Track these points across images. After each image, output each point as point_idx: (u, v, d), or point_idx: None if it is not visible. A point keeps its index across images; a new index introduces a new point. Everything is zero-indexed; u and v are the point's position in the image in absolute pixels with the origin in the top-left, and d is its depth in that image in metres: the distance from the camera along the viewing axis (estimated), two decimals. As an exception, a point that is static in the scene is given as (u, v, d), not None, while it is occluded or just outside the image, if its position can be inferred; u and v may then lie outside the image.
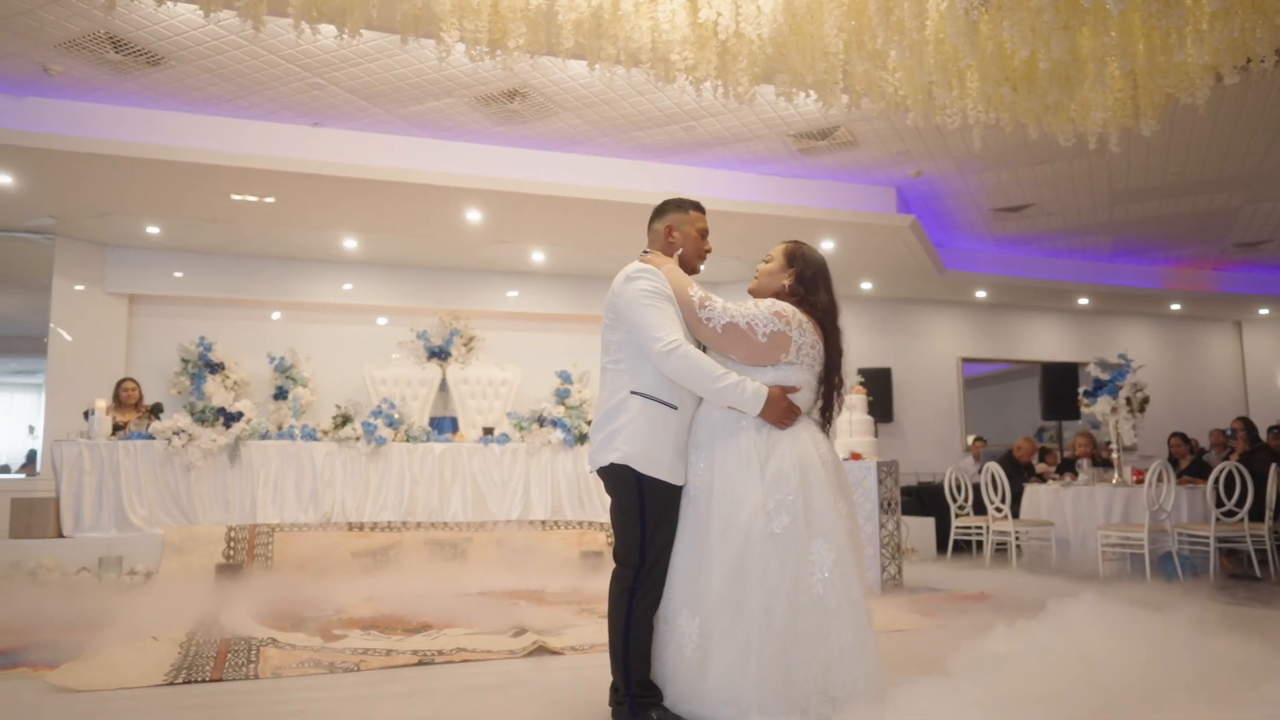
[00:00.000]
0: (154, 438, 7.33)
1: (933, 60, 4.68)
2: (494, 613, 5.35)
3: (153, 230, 8.77)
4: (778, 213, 8.43)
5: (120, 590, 6.36)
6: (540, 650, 4.32)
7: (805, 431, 3.00)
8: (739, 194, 8.37)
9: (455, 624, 4.98)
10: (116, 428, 7.60)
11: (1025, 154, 7.93)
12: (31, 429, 9.23)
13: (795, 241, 3.25)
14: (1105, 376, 8.09)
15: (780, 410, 2.94)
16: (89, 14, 5.53)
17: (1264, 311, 13.66)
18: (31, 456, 9.34)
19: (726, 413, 3.01)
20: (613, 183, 8.03)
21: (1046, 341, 13.12)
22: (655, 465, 2.96)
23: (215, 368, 9.35)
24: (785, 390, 2.97)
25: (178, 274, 9.50)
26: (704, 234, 3.26)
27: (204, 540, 7.04)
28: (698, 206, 3.29)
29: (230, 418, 7.53)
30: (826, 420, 3.14)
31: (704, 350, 3.09)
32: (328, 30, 4.57)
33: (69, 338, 8.93)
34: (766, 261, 3.22)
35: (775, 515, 2.85)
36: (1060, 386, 11.62)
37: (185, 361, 9.35)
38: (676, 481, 3.00)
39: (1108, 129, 5.31)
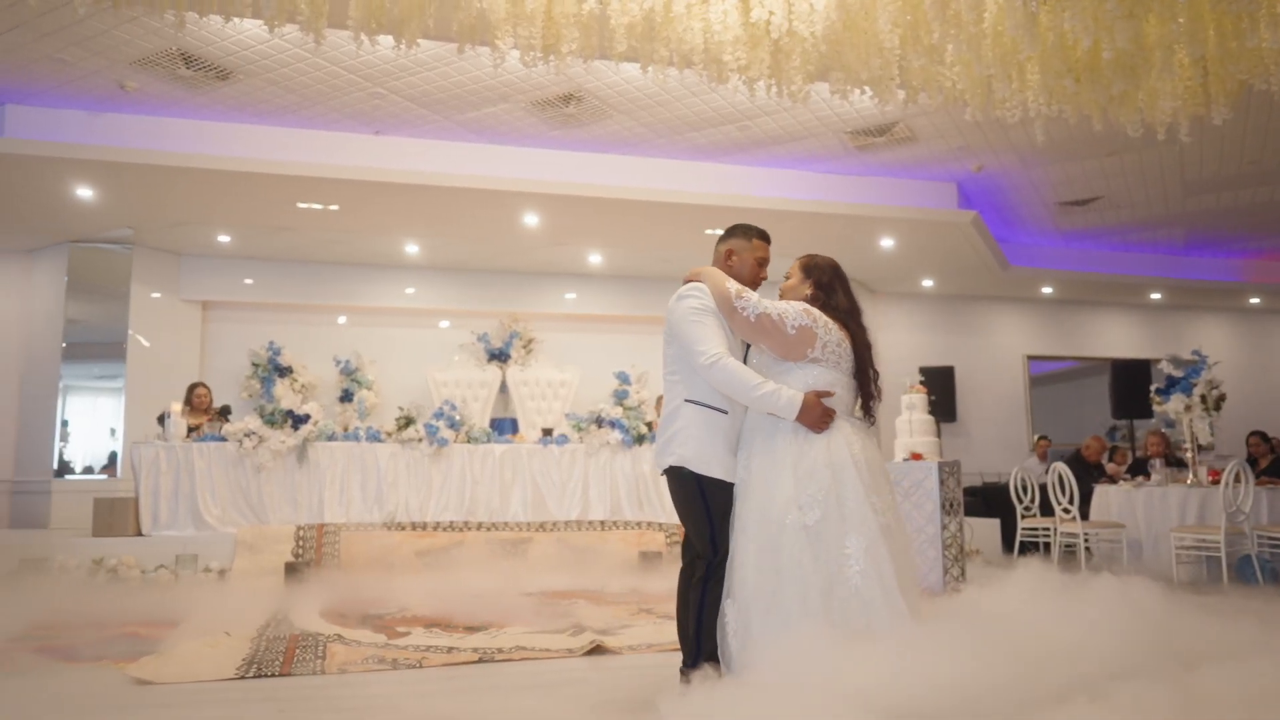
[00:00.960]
0: (226, 440, 7.57)
1: (991, 53, 4.59)
2: (553, 612, 5.41)
3: (224, 239, 9.06)
4: (835, 211, 8.35)
5: (195, 587, 6.61)
6: (598, 649, 4.36)
7: (840, 432, 3.15)
8: (795, 193, 8.32)
9: (515, 623, 5.05)
10: (190, 430, 7.87)
11: (1092, 146, 7.73)
12: (113, 431, 9.60)
13: (808, 255, 3.47)
14: (1178, 374, 7.82)
15: (815, 415, 3.13)
16: (161, 32, 5.74)
17: (1351, 304, 13.08)
18: (113, 458, 9.72)
19: (768, 417, 3.20)
20: (668, 184, 8.05)
21: (1116, 338, 12.75)
22: (710, 465, 3.22)
23: (284, 371, 9.62)
24: (820, 395, 3.15)
25: (248, 281, 9.80)
26: (762, 263, 3.47)
27: (274, 539, 7.24)
28: (763, 236, 3.51)
29: (298, 420, 7.74)
30: (868, 414, 3.34)
31: (746, 350, 3.34)
32: (386, 41, 4.68)
33: (146, 343, 9.28)
34: (787, 278, 3.45)
35: (808, 509, 3.02)
36: (1131, 384, 11.28)
37: (255, 365, 9.64)
38: (730, 479, 3.24)
39: (1178, 118, 5.14)
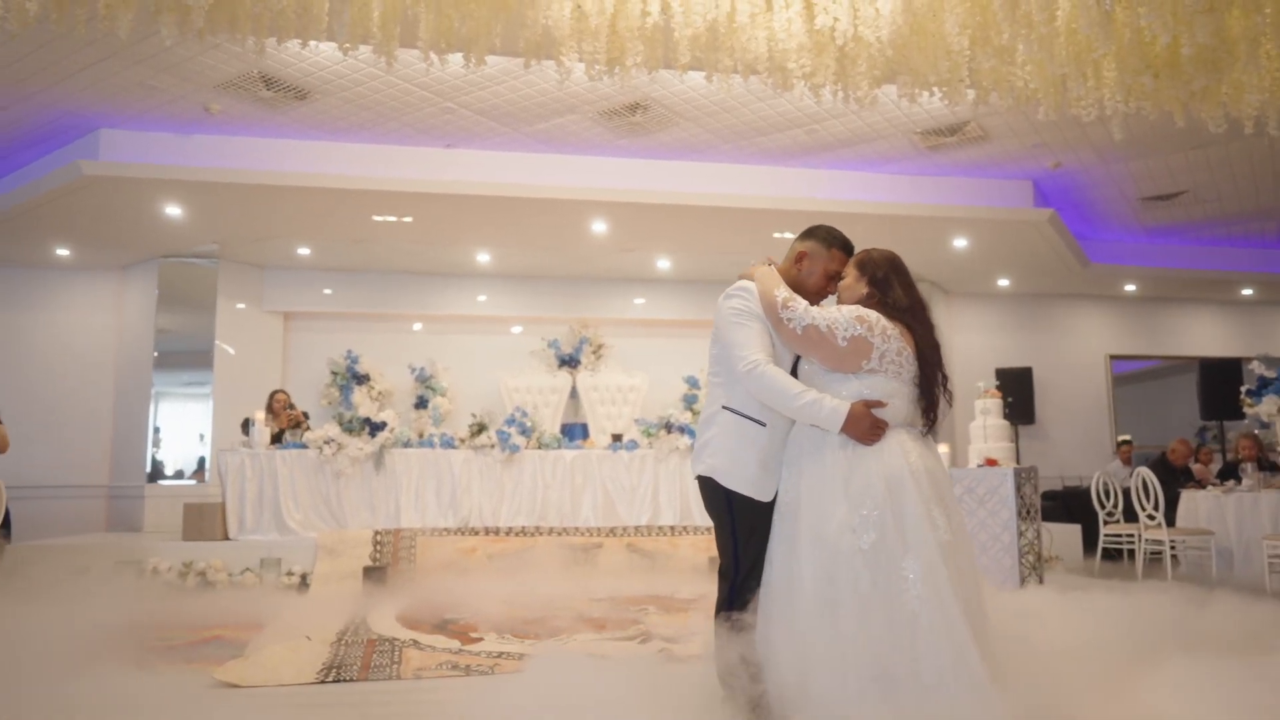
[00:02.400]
0: (307, 447, 7.82)
1: (1064, 52, 4.48)
2: (623, 619, 5.46)
3: (304, 251, 9.36)
4: (908, 213, 8.23)
5: (278, 590, 6.85)
6: (667, 657, 4.38)
7: (895, 444, 2.91)
8: (866, 194, 8.22)
9: (585, 629, 5.12)
10: (275, 437, 8.15)
11: (1174, 140, 7.47)
12: (201, 437, 10.01)
13: (863, 250, 3.18)
14: (1271, 374, 7.51)
15: (864, 427, 2.88)
16: (243, 56, 5.98)
17: None
18: (201, 463, 10.13)
19: (815, 430, 2.97)
20: (735, 189, 8.05)
21: (1204, 336, 12.26)
22: (739, 480, 3.00)
23: (361, 379, 9.90)
24: (869, 405, 2.90)
25: (327, 291, 10.11)
26: (832, 277, 3.18)
27: (353, 544, 7.46)
28: (845, 248, 3.22)
29: (375, 427, 7.95)
30: (930, 424, 3.03)
31: (796, 360, 3.09)
32: (455, 58, 4.79)
33: (231, 352, 9.65)
34: (843, 278, 3.16)
35: (861, 531, 2.80)
36: (1220, 384, 10.83)
37: (334, 374, 9.93)
38: (761, 498, 3.01)
39: (1265, 111, 4.94)
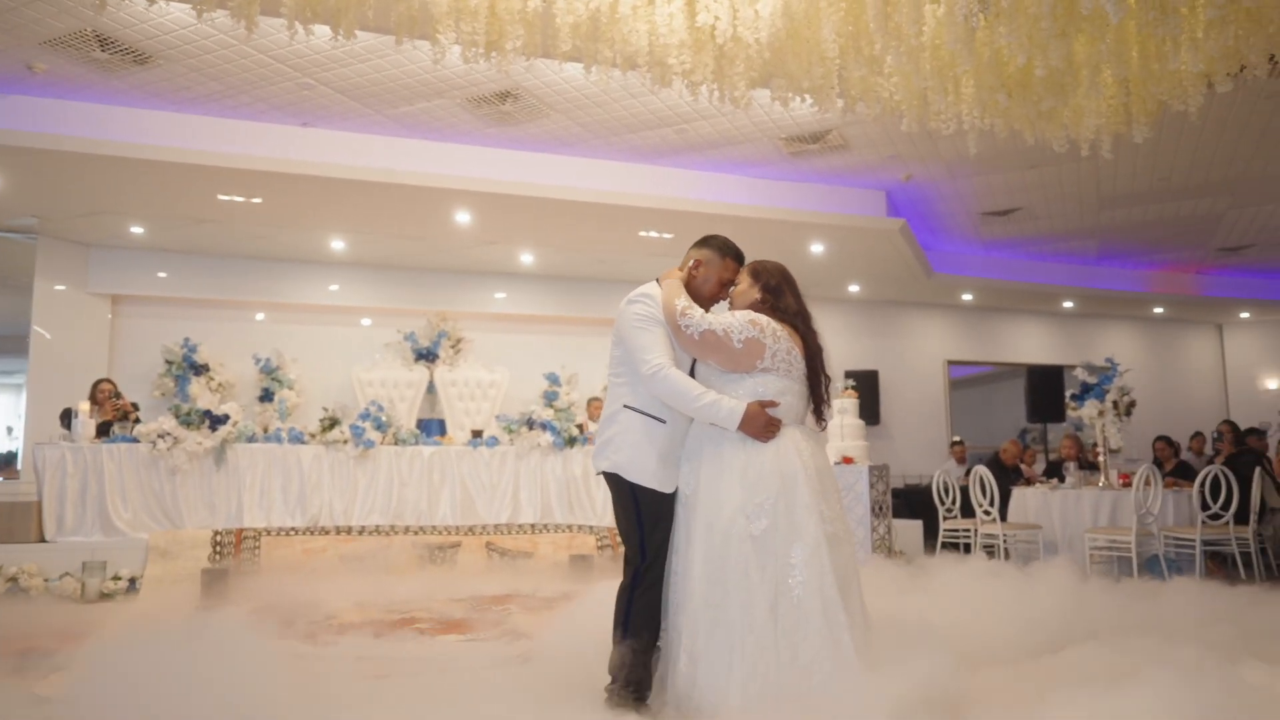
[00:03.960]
0: (139, 441, 7.23)
1: (929, 66, 4.68)
2: (486, 619, 5.32)
3: (137, 230, 8.66)
4: (768, 216, 8.42)
5: (104, 596, 6.30)
6: (535, 657, 4.28)
7: (789, 440, 3.11)
8: (730, 196, 8.36)
9: (448, 630, 4.95)
10: (101, 430, 7.50)
11: (1014, 158, 7.97)
12: (10, 430, 9.10)
13: (755, 260, 3.45)
14: (1093, 380, 8.13)
15: (759, 425, 3.08)
16: (76, 12, 5.45)
17: (1245, 315, 13.81)
18: (10, 458, 9.21)
19: (713, 426, 3.17)
20: (603, 185, 8.00)
21: (1032, 344, 13.21)
22: (641, 473, 3.18)
23: (200, 369, 9.25)
24: (764, 405, 3.10)
25: (161, 274, 9.40)
26: (725, 284, 3.40)
27: (190, 544, 6.95)
28: (738, 258, 3.44)
29: (216, 420, 7.44)
30: (819, 420, 3.30)
31: (693, 364, 3.30)
32: (319, 30, 4.53)
33: (49, 337, 8.81)
34: (736, 285, 3.40)
35: (755, 518, 2.99)
36: (1046, 389, 11.69)
37: (169, 363, 9.25)
38: (663, 489, 3.20)
39: (1101, 135, 5.33)
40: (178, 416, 7.44)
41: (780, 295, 3.31)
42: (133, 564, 6.76)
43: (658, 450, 3.19)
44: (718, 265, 3.38)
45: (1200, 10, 4.33)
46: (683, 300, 3.22)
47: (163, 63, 6.15)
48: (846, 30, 4.55)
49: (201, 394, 8.81)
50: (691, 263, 3.40)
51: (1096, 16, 4.27)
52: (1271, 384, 13.94)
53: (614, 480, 3.22)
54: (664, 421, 3.21)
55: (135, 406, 8.17)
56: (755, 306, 3.29)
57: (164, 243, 9.11)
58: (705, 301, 3.38)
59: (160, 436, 7.21)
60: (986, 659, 3.58)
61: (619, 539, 7.91)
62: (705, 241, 3.44)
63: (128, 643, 3.43)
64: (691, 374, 3.28)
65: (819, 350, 3.30)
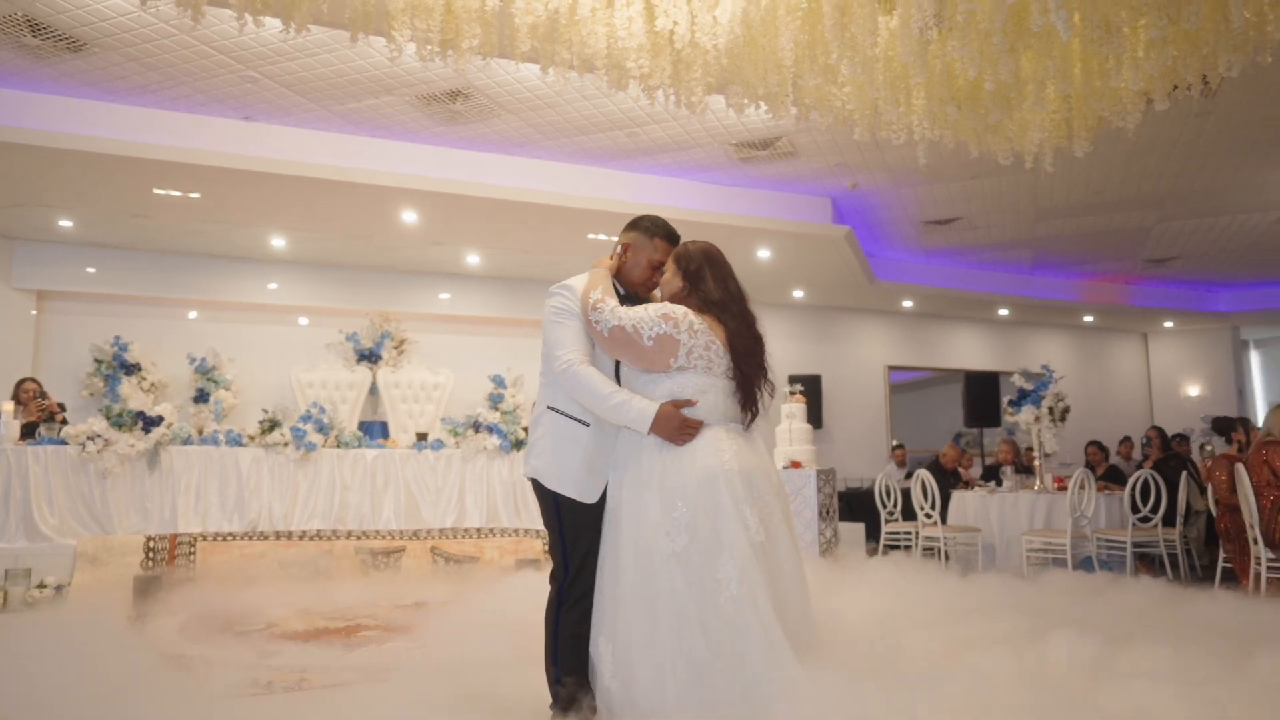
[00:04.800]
0: (66, 443, 6.95)
1: (882, 77, 4.75)
2: (434, 624, 5.23)
3: (65, 224, 8.33)
4: (717, 221, 8.46)
5: (28, 605, 6.04)
6: (491, 665, 4.22)
7: (710, 443, 2.88)
8: (679, 201, 8.38)
9: (395, 638, 4.85)
10: (25, 431, 7.19)
11: (957, 170, 8.14)
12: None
13: (680, 244, 3.18)
14: (1029, 387, 8.35)
15: (672, 427, 2.86)
16: (6, -5, 5.22)
17: (1169, 324, 14.33)
18: (-74, 461, 8.77)
19: (635, 432, 2.95)
20: (552, 186, 7.95)
21: (969, 350, 13.52)
22: (562, 481, 2.99)
23: (131, 369, 8.94)
24: (678, 404, 2.89)
25: (90, 270, 9.06)
26: (655, 266, 3.17)
27: (120, 551, 6.71)
28: (669, 237, 3.20)
29: (150, 422, 7.19)
30: (750, 416, 3.01)
31: (617, 363, 3.07)
32: (269, 23, 4.41)
33: (-31, 335, 8.44)
34: (665, 272, 3.15)
35: (674, 534, 2.79)
36: (982, 394, 11.98)
37: (99, 362, 8.92)
38: (585, 499, 3.00)
39: (1043, 149, 5.48)
40: (109, 417, 7.17)
41: (700, 281, 3.02)
42: (60, 571, 6.49)
43: (582, 456, 2.99)
44: (646, 247, 3.16)
45: (1142, 31, 4.47)
46: (597, 292, 2.98)
47: (98, 50, 5.92)
48: (803, 39, 4.59)
49: (133, 394, 8.53)
50: (619, 247, 3.19)
51: (1045, 34, 4.38)
52: (1193, 391, 14.50)
53: (536, 487, 3.05)
54: (587, 425, 3.00)
55: (62, 407, 7.87)
56: (677, 295, 3.05)
57: (94, 237, 8.79)
58: (638, 287, 3.18)
59: (90, 438, 6.94)
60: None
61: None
62: (634, 223, 3.22)
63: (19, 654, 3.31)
64: (616, 375, 3.05)
65: (753, 339, 3.03)
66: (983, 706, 2.67)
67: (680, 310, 2.94)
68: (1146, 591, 5.49)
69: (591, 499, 2.99)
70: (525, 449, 3.12)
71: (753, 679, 2.67)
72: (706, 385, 2.93)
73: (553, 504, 3.00)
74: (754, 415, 3.02)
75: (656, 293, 3.24)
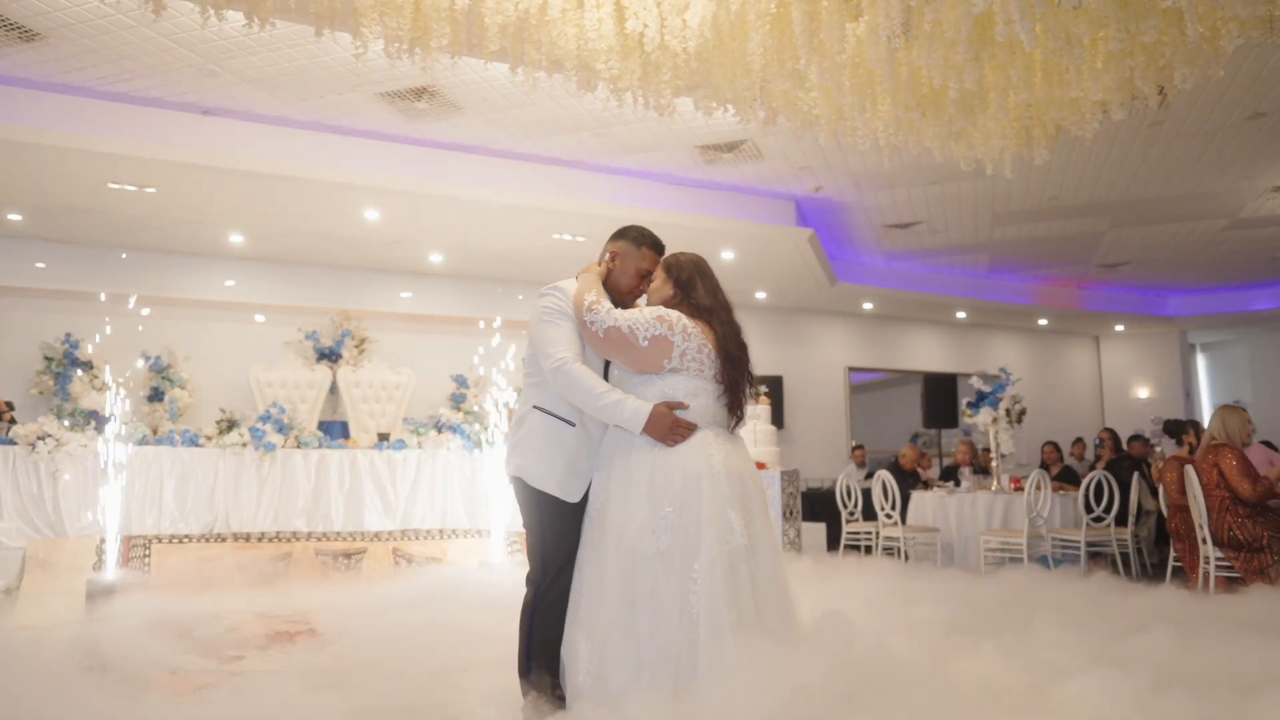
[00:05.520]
0: (16, 443, 6.78)
1: (849, 83, 4.80)
2: (396, 627, 5.18)
3: (14, 217, 8.11)
4: (682, 222, 8.48)
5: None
6: (454, 668, 4.19)
7: (699, 445, 2.94)
8: (644, 202, 8.39)
9: (358, 640, 4.79)
10: (-28, 431, 7.00)
11: (918, 174, 8.26)
12: None
13: (671, 254, 3.26)
14: (987, 389, 8.49)
15: (664, 427, 2.91)
16: (-44, -18, 5.07)
17: (1120, 328, 14.67)
18: None
19: (624, 432, 2.99)
20: (517, 186, 7.90)
21: (927, 352, 13.71)
22: (545, 480, 3.01)
23: (82, 366, 8.73)
24: (671, 406, 2.95)
25: (40, 265, 8.83)
26: (643, 275, 3.24)
27: (72, 554, 6.55)
28: (656, 247, 3.27)
29: (104, 421, 7.03)
30: (737, 420, 3.09)
31: (606, 365, 3.13)
32: (231, 16, 4.33)
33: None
34: (654, 280, 3.24)
35: (660, 532, 2.84)
36: (940, 396, 12.16)
37: (48, 359, 8.69)
38: (568, 498, 3.03)
39: (1004, 156, 5.58)
40: (60, 417, 6.99)
41: (692, 289, 3.12)
42: (9, 575, 6.33)
43: (566, 455, 3.03)
44: (634, 256, 3.22)
45: (1101, 43, 4.57)
46: (592, 294, 3.05)
47: (53, 41, 5.78)
48: (771, 44, 4.62)
49: (84, 393, 8.33)
50: (608, 255, 3.25)
51: (1008, 44, 4.47)
52: (1142, 393, 14.86)
53: (519, 485, 3.07)
54: (573, 425, 3.05)
55: (10, 405, 7.67)
56: (669, 303, 3.13)
57: (44, 231, 8.57)
58: (625, 295, 3.24)
59: (41, 438, 6.77)
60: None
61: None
62: (621, 233, 3.28)
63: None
64: (605, 377, 3.11)
65: (740, 347, 3.12)
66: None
67: (674, 314, 3.02)
68: (1076, 584, 5.92)
69: (574, 498, 3.03)
70: (508, 448, 3.14)
71: (706, 675, 2.70)
72: (697, 388, 3.00)
73: (534, 503, 3.03)
74: (740, 419, 3.11)
75: (640, 301, 3.32)
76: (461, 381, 9.45)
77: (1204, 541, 6.01)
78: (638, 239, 3.25)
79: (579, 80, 4.71)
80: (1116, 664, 3.44)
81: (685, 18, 4.47)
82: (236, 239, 8.89)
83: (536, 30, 4.44)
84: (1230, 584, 5.81)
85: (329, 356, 9.59)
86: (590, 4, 4.42)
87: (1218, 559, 5.95)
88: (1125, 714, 2.95)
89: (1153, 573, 7.64)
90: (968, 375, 9.18)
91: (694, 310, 3.08)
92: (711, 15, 4.48)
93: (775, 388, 11.73)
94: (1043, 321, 14.13)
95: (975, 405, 8.54)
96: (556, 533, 3.01)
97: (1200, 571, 6.09)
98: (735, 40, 4.65)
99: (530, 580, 3.05)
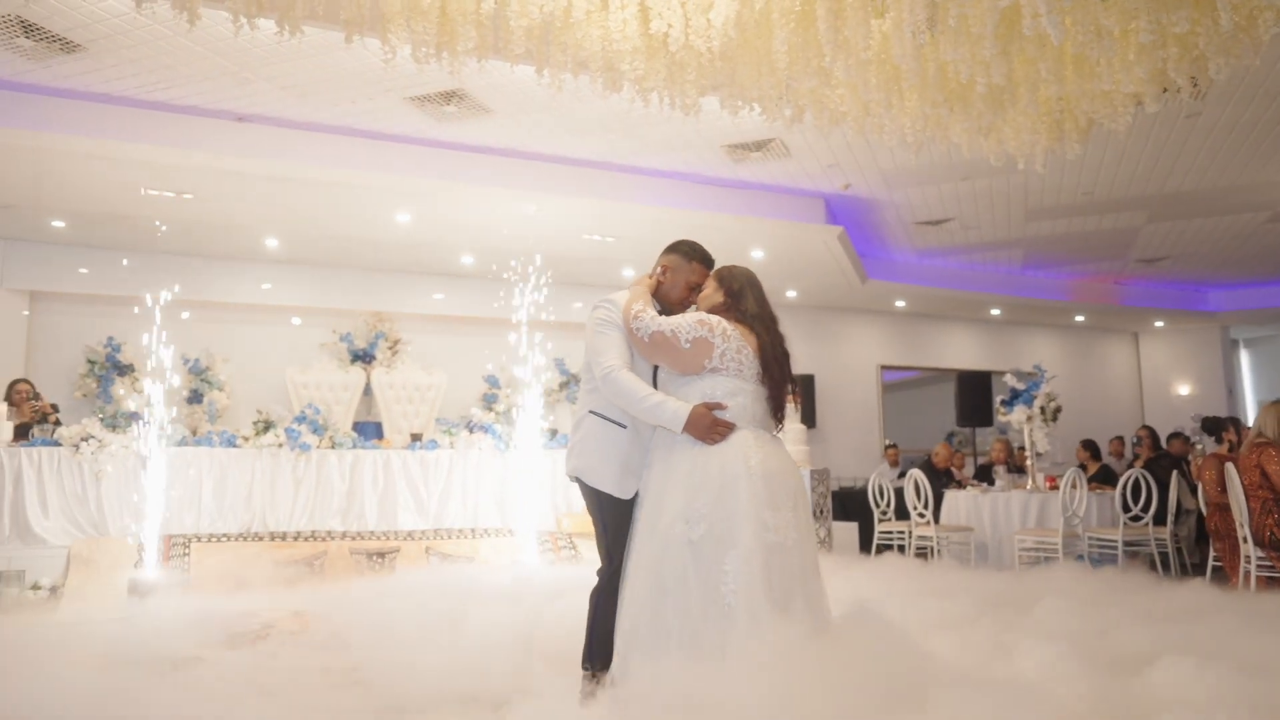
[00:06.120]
0: (60, 444, 6.94)
1: (876, 79, 4.78)
2: (428, 625, 5.23)
3: (58, 224, 8.32)
4: (711, 222, 8.48)
5: (22, 607, 6.03)
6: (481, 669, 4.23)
7: (738, 444, 3.06)
8: (672, 202, 8.40)
9: (391, 637, 4.85)
10: (18, 432, 7.18)
11: (949, 170, 8.18)
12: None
13: (724, 266, 3.44)
14: (1021, 387, 8.39)
15: (704, 426, 3.06)
16: (0, -3, 5.21)
17: (1159, 324, 14.41)
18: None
19: (668, 432, 3.17)
20: (547, 187, 7.95)
21: (961, 350, 13.57)
22: (601, 479, 3.23)
23: (124, 370, 8.92)
24: (710, 406, 3.09)
25: (83, 270, 9.04)
26: (693, 288, 3.42)
27: (115, 552, 6.70)
28: (706, 261, 3.45)
29: (144, 423, 7.17)
30: (778, 421, 3.27)
31: (654, 370, 3.32)
32: (263, 24, 4.41)
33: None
34: (703, 290, 3.41)
35: (694, 523, 2.97)
36: (974, 394, 12.02)
37: (91, 363, 8.90)
38: (622, 495, 3.23)
39: (1034, 150, 5.51)
40: (103, 419, 7.15)
41: (741, 298, 3.30)
42: (54, 573, 6.48)
43: (619, 456, 3.23)
44: (685, 269, 3.41)
45: (1132, 35, 4.50)
46: (639, 304, 3.24)
47: (93, 53, 5.92)
48: (796, 42, 4.61)
49: (126, 395, 8.51)
50: (659, 268, 3.44)
51: (1036, 37, 4.42)
52: (1183, 390, 14.58)
53: (580, 484, 3.29)
54: (625, 427, 3.25)
55: (55, 408, 7.85)
56: (717, 310, 3.30)
57: (87, 238, 8.77)
58: (674, 306, 3.41)
59: (84, 440, 6.93)
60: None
61: (559, 543, 7.88)
62: (673, 247, 3.47)
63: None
64: (654, 382, 3.29)
65: (783, 353, 3.29)
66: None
67: (715, 318, 3.20)
68: (1109, 581, 5.87)
69: (627, 495, 3.23)
70: (568, 450, 3.36)
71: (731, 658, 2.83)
72: (737, 388, 3.14)
73: (594, 500, 3.25)
74: (781, 420, 3.29)
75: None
76: (493, 382, 9.52)
77: (1244, 540, 5.90)
78: (689, 253, 3.44)
79: (604, 81, 4.74)
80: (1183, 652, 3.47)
81: (709, 17, 4.47)
82: (272, 243, 9.04)
83: (561, 32, 4.48)
84: (1271, 584, 5.70)
85: (363, 358, 9.71)
86: (615, 5, 4.45)
87: (1259, 559, 5.84)
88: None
89: (1193, 572, 7.50)
90: (1002, 373, 9.07)
91: (740, 317, 3.26)
92: (735, 14, 4.49)
93: (807, 387, 11.69)
94: (1080, 318, 13.93)
95: (1009, 403, 8.44)
96: (616, 526, 3.22)
97: (1241, 571, 5.97)
98: (760, 38, 4.64)
99: (601, 570, 3.26)
